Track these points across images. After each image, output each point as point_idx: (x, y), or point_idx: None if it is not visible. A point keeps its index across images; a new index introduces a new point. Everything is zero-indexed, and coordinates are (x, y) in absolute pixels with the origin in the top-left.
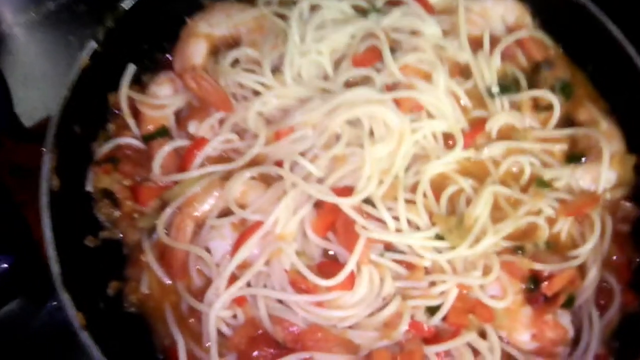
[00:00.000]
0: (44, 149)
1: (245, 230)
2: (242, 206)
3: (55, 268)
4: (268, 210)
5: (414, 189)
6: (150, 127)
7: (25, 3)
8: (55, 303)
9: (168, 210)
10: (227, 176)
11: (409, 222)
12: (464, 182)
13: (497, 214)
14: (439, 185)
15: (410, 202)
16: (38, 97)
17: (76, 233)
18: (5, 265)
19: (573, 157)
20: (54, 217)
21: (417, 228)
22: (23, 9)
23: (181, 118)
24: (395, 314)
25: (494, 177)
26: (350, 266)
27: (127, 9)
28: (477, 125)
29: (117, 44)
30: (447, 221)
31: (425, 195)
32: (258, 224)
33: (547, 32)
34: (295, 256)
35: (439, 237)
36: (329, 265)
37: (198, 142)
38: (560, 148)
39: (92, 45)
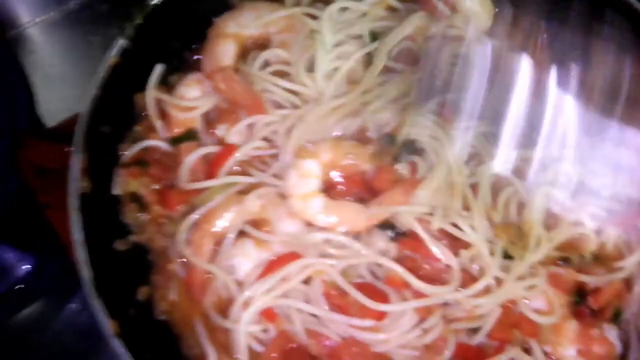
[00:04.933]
0: (73, 149)
1: (274, 261)
2: (262, 221)
3: (86, 272)
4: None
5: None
6: (178, 130)
7: (45, 2)
8: (75, 305)
9: (192, 217)
10: (246, 190)
11: None
12: (519, 184)
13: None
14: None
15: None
16: (58, 98)
17: (105, 236)
18: (29, 267)
19: None
20: (84, 220)
21: None
22: (43, 8)
23: (209, 121)
24: (439, 339)
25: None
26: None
27: (157, 3)
28: None
29: (146, 42)
30: (509, 231)
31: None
32: (293, 256)
33: None
34: (339, 276)
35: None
36: (366, 289)
37: (228, 149)
38: None
39: (122, 42)
